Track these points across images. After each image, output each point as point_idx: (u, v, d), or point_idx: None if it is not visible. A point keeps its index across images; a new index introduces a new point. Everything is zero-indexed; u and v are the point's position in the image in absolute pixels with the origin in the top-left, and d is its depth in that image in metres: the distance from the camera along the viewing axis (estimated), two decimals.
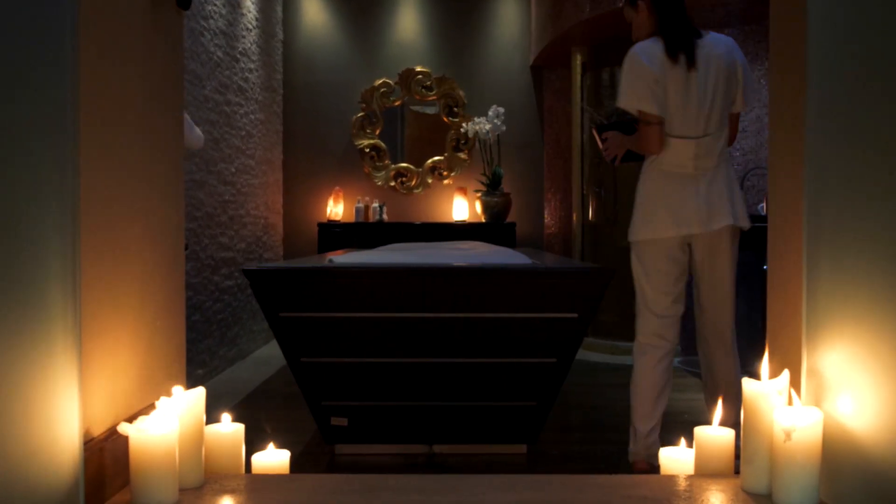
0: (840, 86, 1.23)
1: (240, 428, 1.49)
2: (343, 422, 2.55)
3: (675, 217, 2.40)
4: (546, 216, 5.82)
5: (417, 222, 5.68)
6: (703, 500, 1.30)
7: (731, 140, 2.54)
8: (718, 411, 1.48)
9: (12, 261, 0.99)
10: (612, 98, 4.88)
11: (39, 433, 1.05)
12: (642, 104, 2.39)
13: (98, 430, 1.32)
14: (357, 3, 5.81)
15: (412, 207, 5.84)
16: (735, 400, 2.44)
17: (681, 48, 2.40)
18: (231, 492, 1.34)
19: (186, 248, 1.99)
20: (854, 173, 1.20)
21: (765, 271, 1.63)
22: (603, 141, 2.72)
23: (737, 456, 1.41)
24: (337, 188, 5.70)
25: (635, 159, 2.62)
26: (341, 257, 2.69)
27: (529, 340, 2.42)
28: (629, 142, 2.55)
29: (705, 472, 1.42)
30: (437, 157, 5.80)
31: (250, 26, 4.90)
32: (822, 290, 1.26)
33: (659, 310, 2.46)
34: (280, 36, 5.71)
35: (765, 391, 1.30)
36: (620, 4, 2.72)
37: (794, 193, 1.39)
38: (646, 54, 2.40)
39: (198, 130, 2.66)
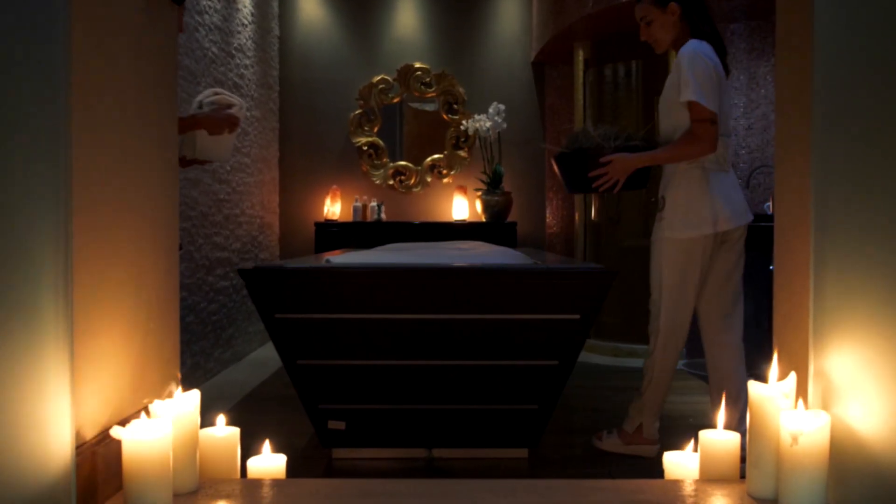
0: (847, 82, 1.23)
1: (235, 431, 1.49)
2: (340, 425, 2.55)
3: (731, 210, 2.54)
4: (548, 215, 5.83)
5: (416, 222, 5.68)
6: None
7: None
8: (722, 414, 1.48)
9: (2, 260, 0.99)
10: (615, 95, 4.89)
11: (30, 437, 1.05)
12: (712, 103, 2.45)
13: (90, 433, 1.32)
14: None
15: (411, 206, 5.83)
16: (737, 401, 2.51)
17: (723, 53, 2.56)
18: (226, 497, 1.34)
19: (180, 248, 1.99)
20: (863, 171, 1.20)
21: (771, 271, 1.63)
22: (561, 170, 2.66)
23: (743, 459, 1.41)
24: (334, 187, 5.70)
25: (634, 187, 2.62)
26: (339, 257, 2.69)
27: (531, 342, 2.42)
28: (667, 155, 2.54)
29: (710, 476, 1.42)
30: (436, 156, 5.80)
31: (246, 22, 4.90)
32: (830, 291, 1.25)
33: (693, 304, 2.62)
34: (276, 32, 5.71)
35: (771, 394, 1.30)
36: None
37: (801, 191, 1.39)
38: (707, 55, 2.48)
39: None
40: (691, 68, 2.44)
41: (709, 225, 2.52)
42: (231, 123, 2.46)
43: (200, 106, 2.51)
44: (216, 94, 2.51)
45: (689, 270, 2.57)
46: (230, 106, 2.48)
